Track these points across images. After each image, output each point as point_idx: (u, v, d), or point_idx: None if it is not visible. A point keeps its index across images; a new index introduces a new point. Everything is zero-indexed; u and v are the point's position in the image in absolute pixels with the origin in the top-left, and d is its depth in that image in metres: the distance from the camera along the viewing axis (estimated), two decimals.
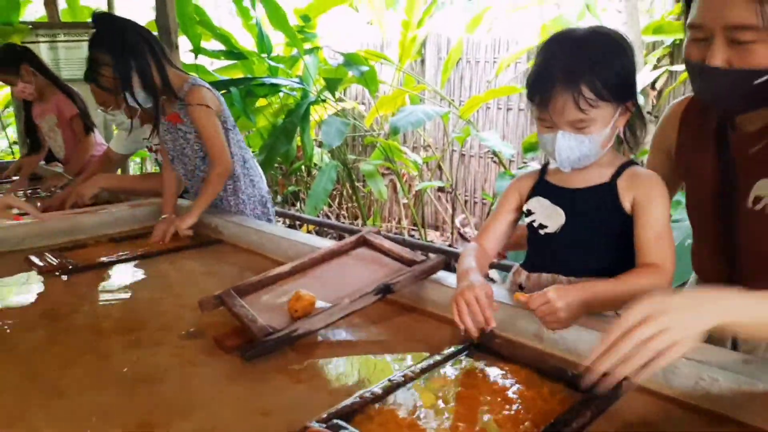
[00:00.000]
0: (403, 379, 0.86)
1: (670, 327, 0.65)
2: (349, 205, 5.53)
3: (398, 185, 4.91)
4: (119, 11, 4.36)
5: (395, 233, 5.03)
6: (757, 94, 0.80)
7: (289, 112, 4.30)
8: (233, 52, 4.56)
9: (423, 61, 5.58)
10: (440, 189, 5.18)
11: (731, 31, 0.78)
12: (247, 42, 5.07)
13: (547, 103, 0.93)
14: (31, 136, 2.84)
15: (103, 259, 1.54)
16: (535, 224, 1.03)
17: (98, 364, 0.99)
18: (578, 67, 0.91)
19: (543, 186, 1.05)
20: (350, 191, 5.24)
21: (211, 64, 5.47)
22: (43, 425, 0.80)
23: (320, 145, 5.34)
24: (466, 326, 0.89)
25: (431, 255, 1.26)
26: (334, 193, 5.52)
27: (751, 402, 0.73)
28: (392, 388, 0.84)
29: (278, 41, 5.19)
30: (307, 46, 4.69)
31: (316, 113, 4.79)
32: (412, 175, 4.95)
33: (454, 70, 5.23)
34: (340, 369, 0.98)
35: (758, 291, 0.70)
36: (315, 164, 5.32)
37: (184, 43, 4.31)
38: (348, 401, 0.79)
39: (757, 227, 0.90)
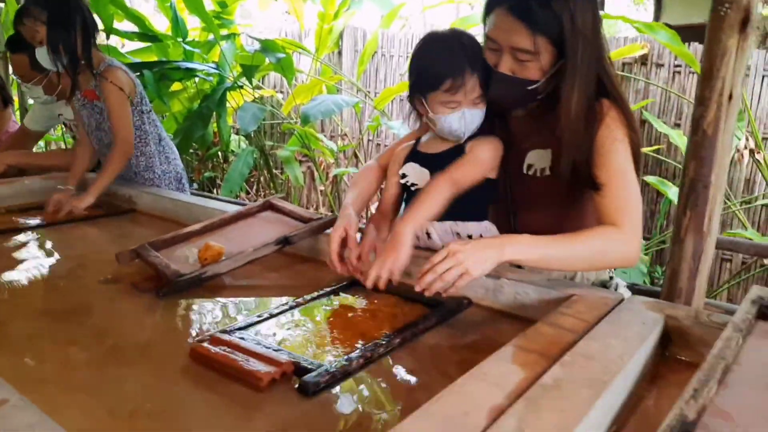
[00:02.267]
0: (287, 307, 1.06)
1: (462, 261, 0.93)
2: (267, 191, 5.62)
3: (315, 172, 5.07)
4: None
5: None
6: (528, 95, 1.11)
7: (205, 97, 4.35)
8: (147, 35, 4.52)
9: (340, 53, 5.76)
10: None
11: (514, 51, 1.06)
12: (161, 25, 5.02)
13: (459, 87, 1.14)
14: None
15: (20, 221, 1.62)
16: (408, 183, 1.27)
17: (29, 303, 1.12)
18: (470, 57, 1.13)
19: (414, 154, 1.29)
20: (268, 177, 5.33)
21: (123, 46, 5.36)
22: None
23: (237, 132, 5.40)
24: (334, 269, 1.12)
25: (327, 214, 1.46)
26: (251, 180, 5.59)
27: (547, 305, 0.99)
28: (279, 313, 1.03)
29: (194, 26, 5.18)
30: (224, 32, 4.73)
31: (234, 100, 4.85)
32: (329, 162, 5.13)
33: (369, 62, 5.44)
34: (240, 305, 1.16)
35: (532, 236, 0.99)
36: (232, 150, 5.37)
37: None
38: (244, 319, 0.98)
39: (528, 189, 1.21)
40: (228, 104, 4.61)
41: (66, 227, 1.66)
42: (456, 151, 1.21)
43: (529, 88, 1.09)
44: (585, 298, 0.96)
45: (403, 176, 1.28)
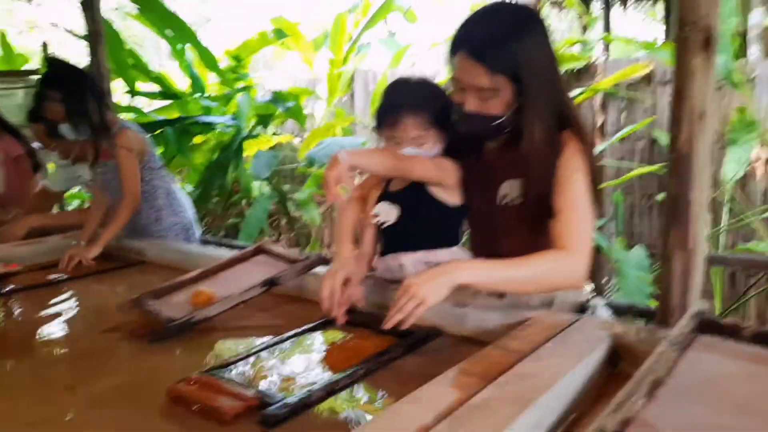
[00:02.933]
0: (265, 345, 1.13)
1: (416, 293, 0.99)
2: (287, 234, 5.76)
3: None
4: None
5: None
6: (495, 129, 1.19)
7: (223, 149, 4.55)
8: (167, 93, 4.79)
9: (353, 96, 5.95)
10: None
11: (477, 90, 1.14)
12: (184, 82, 5.31)
13: (395, 125, 1.26)
14: None
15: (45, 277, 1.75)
16: (380, 223, 1.34)
17: (34, 351, 1.22)
18: (421, 98, 1.26)
19: (386, 194, 1.36)
20: (286, 221, 5.48)
21: (150, 105, 5.67)
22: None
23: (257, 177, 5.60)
24: (325, 310, 1.18)
25: (311, 255, 1.54)
26: (273, 223, 5.75)
27: (507, 329, 1.03)
28: (261, 349, 1.11)
29: (213, 81, 5.47)
30: (240, 84, 4.97)
31: (253, 148, 5.05)
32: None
33: None
34: (228, 345, 1.23)
35: (484, 260, 1.04)
36: (254, 197, 5.55)
37: (122, 85, 4.54)
38: (227, 358, 1.06)
39: (501, 218, 1.26)
40: (248, 152, 4.82)
41: (83, 281, 1.78)
42: (416, 186, 1.28)
43: (494, 123, 1.17)
44: (540, 320, 1.00)
45: (375, 216, 1.36)
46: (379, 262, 1.36)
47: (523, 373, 0.80)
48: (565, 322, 0.98)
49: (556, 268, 1.07)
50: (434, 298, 1.00)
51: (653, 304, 2.69)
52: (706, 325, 0.86)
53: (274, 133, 5.18)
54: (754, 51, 4.23)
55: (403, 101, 1.27)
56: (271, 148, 4.95)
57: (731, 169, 3.46)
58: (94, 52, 3.26)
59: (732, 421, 0.70)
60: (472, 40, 1.13)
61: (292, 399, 0.88)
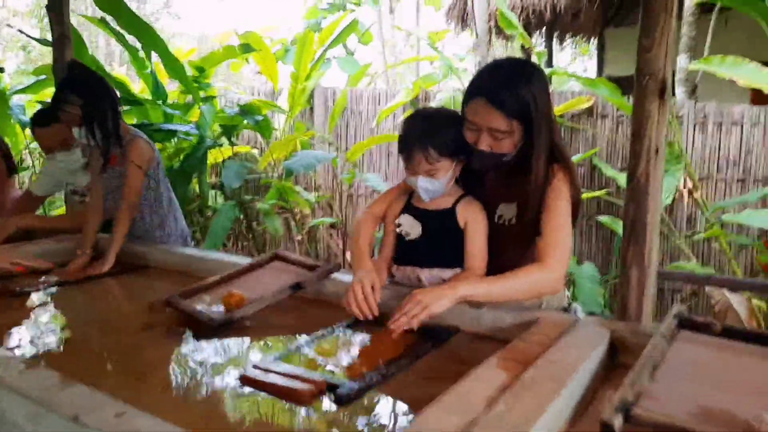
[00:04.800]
0: (310, 339, 1.27)
1: (422, 301, 1.21)
2: (244, 243, 5.79)
3: (292, 223, 5.29)
4: None
5: None
6: (503, 163, 1.41)
7: (187, 156, 4.56)
8: (128, 99, 4.75)
9: (312, 110, 6.09)
10: (332, 225, 5.63)
11: (492, 131, 1.34)
12: (139, 88, 5.27)
13: (409, 159, 1.42)
14: None
15: (43, 280, 1.79)
16: (403, 233, 1.52)
17: (88, 348, 1.30)
18: (427, 135, 1.40)
19: (409, 207, 1.54)
20: (245, 230, 5.52)
21: None
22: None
23: (213, 186, 5.61)
24: (355, 314, 1.33)
25: (329, 262, 1.69)
26: (229, 232, 5.76)
27: (519, 327, 1.24)
28: (297, 348, 1.25)
29: (171, 89, 5.45)
30: (202, 94, 5.00)
31: (211, 156, 5.08)
32: (305, 213, 5.36)
33: (340, 118, 5.79)
34: (267, 341, 1.37)
35: (480, 277, 1.31)
36: (209, 205, 5.55)
37: None
38: (278, 352, 1.20)
39: (498, 235, 1.47)
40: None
41: (86, 285, 1.83)
42: (446, 213, 1.47)
43: (504, 159, 1.38)
44: (549, 320, 1.22)
45: (398, 225, 1.53)
46: (398, 271, 1.54)
47: (552, 360, 1.00)
48: (570, 321, 1.20)
49: (540, 280, 1.30)
50: (437, 308, 1.20)
51: (600, 310, 3.02)
52: (685, 323, 1.09)
53: (232, 143, 5.23)
54: (679, 92, 4.76)
55: (414, 137, 1.41)
56: (230, 158, 5.00)
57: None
58: (60, 56, 3.24)
59: (711, 393, 0.93)
60: (491, 89, 1.33)
61: (356, 384, 1.03)
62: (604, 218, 3.97)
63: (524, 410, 0.83)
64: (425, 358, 1.20)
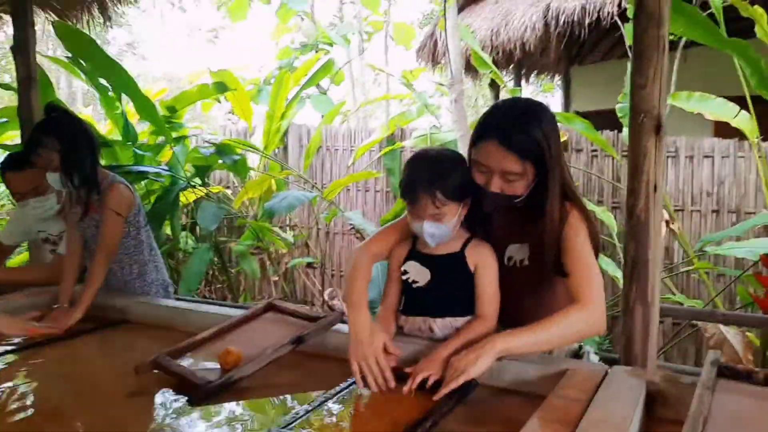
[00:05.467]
0: (323, 399, 1.17)
1: (461, 368, 1.14)
2: (217, 286, 5.59)
3: (267, 263, 5.14)
4: None
5: None
6: (514, 205, 1.34)
7: (158, 198, 4.41)
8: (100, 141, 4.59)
9: (285, 148, 6.02)
10: (308, 265, 5.50)
11: (505, 174, 1.29)
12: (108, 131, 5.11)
13: (414, 203, 1.35)
14: None
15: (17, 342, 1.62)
16: (410, 280, 1.43)
17: (69, 419, 1.16)
18: (433, 179, 1.32)
19: (414, 253, 1.46)
20: (218, 272, 5.34)
21: None
22: None
23: (184, 228, 5.43)
24: (371, 388, 1.22)
25: (329, 312, 1.59)
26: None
27: (547, 380, 1.16)
28: (318, 405, 1.15)
29: (141, 129, 5.32)
30: (173, 134, 4.88)
31: (182, 197, 4.93)
32: (281, 253, 5.22)
33: (315, 156, 5.73)
34: (272, 403, 1.25)
35: (513, 330, 1.19)
36: (180, 248, 5.36)
37: None
38: (290, 416, 1.09)
39: (510, 278, 1.40)
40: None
41: (59, 345, 1.67)
42: (455, 257, 1.40)
43: (515, 201, 1.33)
44: (578, 371, 1.14)
45: (404, 273, 1.45)
46: (407, 322, 1.45)
47: (596, 419, 0.92)
48: (600, 372, 1.13)
49: (581, 321, 1.22)
50: (477, 371, 1.13)
51: (596, 348, 2.97)
52: (725, 371, 1.04)
53: (203, 183, 5.10)
54: None
55: (420, 181, 1.33)
56: (203, 199, 4.87)
57: None
58: (26, 97, 3.10)
59: None
60: (502, 130, 1.28)
61: None
62: None
63: None
64: (450, 417, 1.11)
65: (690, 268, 3.89)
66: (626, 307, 1.43)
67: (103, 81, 4.33)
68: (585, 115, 4.86)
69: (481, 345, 1.17)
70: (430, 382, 1.19)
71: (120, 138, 4.82)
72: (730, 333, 2.48)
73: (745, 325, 2.54)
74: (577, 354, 1.49)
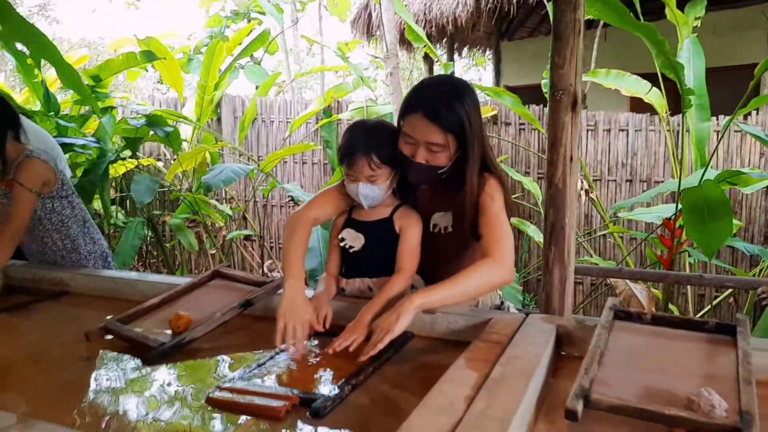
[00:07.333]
0: (269, 357, 1.27)
1: (384, 327, 1.23)
2: (152, 260, 5.49)
3: (204, 236, 5.10)
4: None
5: None
6: (438, 177, 1.46)
7: (86, 171, 4.26)
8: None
9: (219, 120, 5.92)
10: (246, 237, 5.49)
11: (429, 145, 1.41)
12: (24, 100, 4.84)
13: (352, 165, 1.46)
14: None
15: None
16: (347, 246, 1.55)
17: (32, 380, 1.19)
18: (370, 144, 1.45)
19: (350, 221, 1.57)
20: (152, 246, 5.24)
21: None
22: None
23: (113, 202, 5.27)
24: (286, 351, 1.31)
25: (275, 276, 1.68)
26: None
27: (474, 328, 1.31)
28: (264, 362, 1.24)
29: (62, 99, 5.06)
30: (99, 105, 4.69)
31: (111, 170, 4.77)
32: (218, 226, 5.19)
33: (250, 128, 5.67)
34: (222, 361, 1.33)
35: (430, 286, 1.31)
36: (112, 223, 5.21)
37: None
38: (240, 372, 1.18)
39: (435, 243, 1.54)
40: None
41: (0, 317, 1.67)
42: (385, 222, 1.52)
43: (439, 172, 1.45)
44: (501, 320, 1.30)
45: (342, 240, 1.56)
46: (348, 284, 1.56)
47: (514, 356, 1.07)
48: (519, 320, 1.29)
49: (492, 273, 1.34)
50: (399, 328, 1.23)
51: (520, 305, 3.22)
52: (620, 314, 1.22)
53: (135, 156, 4.95)
54: None
55: (358, 145, 1.46)
56: (134, 172, 4.74)
57: None
58: None
59: (652, 376, 1.05)
60: (428, 104, 1.40)
61: (330, 395, 1.05)
62: (512, 220, 4.22)
63: (502, 405, 0.89)
64: (388, 365, 1.23)
65: (605, 231, 4.23)
66: (546, 267, 1.61)
67: (19, 46, 4.09)
68: (514, 90, 5.08)
69: (400, 303, 1.26)
70: (354, 346, 1.27)
71: (40, 108, 4.59)
72: (637, 288, 2.77)
73: (648, 280, 2.84)
74: (499, 309, 1.66)
